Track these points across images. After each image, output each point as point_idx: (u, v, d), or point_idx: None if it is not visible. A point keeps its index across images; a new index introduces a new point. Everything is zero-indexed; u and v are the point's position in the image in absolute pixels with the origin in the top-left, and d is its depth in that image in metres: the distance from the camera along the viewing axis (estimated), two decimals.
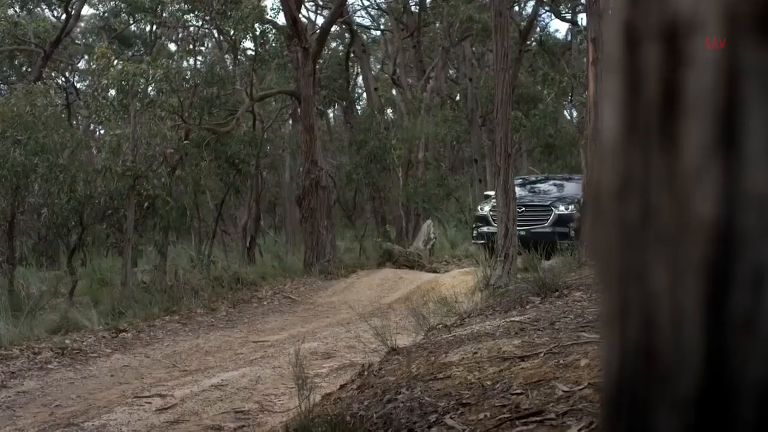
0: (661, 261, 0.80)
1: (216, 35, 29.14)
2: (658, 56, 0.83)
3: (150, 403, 7.73)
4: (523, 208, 15.75)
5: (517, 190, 17.99)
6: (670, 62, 0.82)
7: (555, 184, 19.26)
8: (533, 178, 21.04)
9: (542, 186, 19.46)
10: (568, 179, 19.26)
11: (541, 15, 31.37)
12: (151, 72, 17.41)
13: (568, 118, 36.13)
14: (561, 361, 4.70)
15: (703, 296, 0.77)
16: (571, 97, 32.66)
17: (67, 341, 11.13)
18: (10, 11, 28.04)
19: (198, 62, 31.53)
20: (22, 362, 9.99)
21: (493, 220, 15.84)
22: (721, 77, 0.78)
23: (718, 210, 0.76)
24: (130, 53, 29.18)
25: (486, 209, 17.69)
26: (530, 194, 18.31)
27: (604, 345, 0.90)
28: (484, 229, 17.20)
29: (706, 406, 0.77)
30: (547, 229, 16.26)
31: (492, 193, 18.88)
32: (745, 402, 0.76)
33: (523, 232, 14.80)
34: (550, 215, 16.58)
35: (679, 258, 0.78)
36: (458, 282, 14.39)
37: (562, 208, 16.52)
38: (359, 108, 34.47)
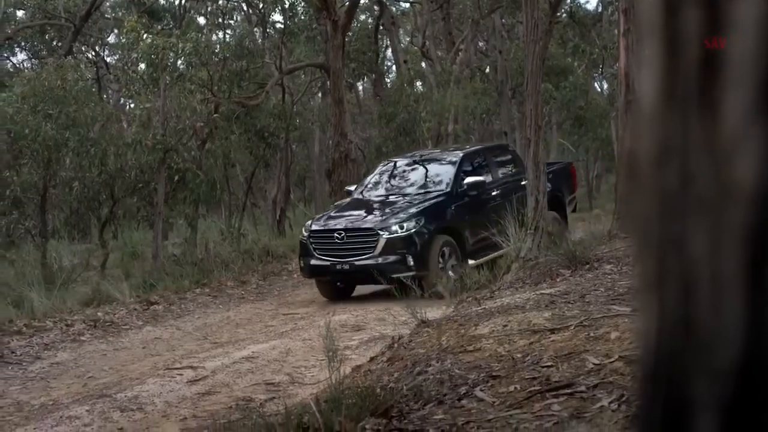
0: (700, 228, 0.79)
1: (245, 8, 29.17)
2: (698, 21, 0.81)
3: (181, 374, 7.81)
4: (344, 234, 12.59)
5: (351, 201, 14.38)
6: (711, 27, 0.80)
7: (413, 182, 14.20)
8: (394, 170, 14.87)
9: (394, 187, 14.36)
10: (444, 160, 14.49)
11: None
12: (180, 45, 17.43)
13: (599, 90, 35.88)
14: (591, 334, 4.69)
15: (743, 264, 0.76)
16: (602, 69, 32.44)
17: (99, 313, 11.27)
18: None
19: (227, 36, 31.59)
20: (56, 334, 10.12)
21: (315, 250, 12.72)
22: (763, 42, 0.77)
23: (759, 176, 0.75)
24: (159, 27, 29.22)
25: (307, 231, 13.19)
26: (362, 209, 13.69)
27: (641, 314, 0.89)
28: (308, 260, 12.87)
29: (746, 378, 0.76)
30: (374, 260, 12.21)
31: (353, 188, 15.15)
32: None
33: (347, 266, 12.31)
34: (377, 242, 12.34)
35: (719, 225, 0.77)
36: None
37: (395, 228, 12.36)
38: (388, 81, 34.35)
